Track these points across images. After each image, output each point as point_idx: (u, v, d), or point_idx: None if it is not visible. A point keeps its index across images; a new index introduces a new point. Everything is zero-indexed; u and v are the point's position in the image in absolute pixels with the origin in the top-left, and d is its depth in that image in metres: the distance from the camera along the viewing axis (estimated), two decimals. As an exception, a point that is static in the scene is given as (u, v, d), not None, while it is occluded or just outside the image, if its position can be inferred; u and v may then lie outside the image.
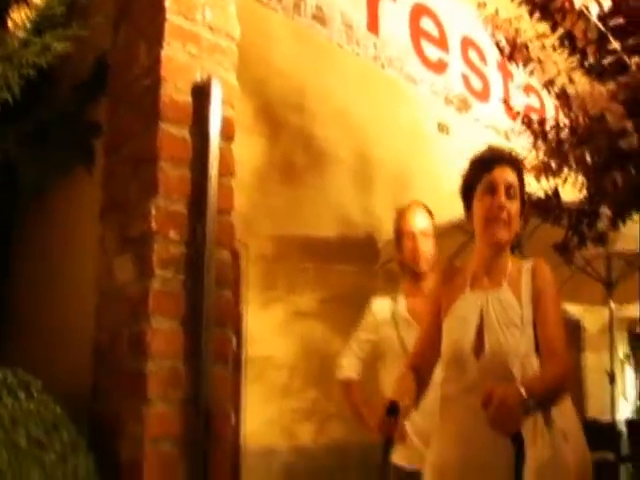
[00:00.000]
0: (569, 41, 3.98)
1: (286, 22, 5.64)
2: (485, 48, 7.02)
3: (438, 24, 6.82)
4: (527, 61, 4.03)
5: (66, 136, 3.85)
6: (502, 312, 2.25)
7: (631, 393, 10.15)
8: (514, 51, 4.01)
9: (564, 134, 3.96)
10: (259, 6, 5.31)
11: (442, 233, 3.77)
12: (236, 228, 3.52)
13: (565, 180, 3.99)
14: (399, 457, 2.98)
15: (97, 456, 2.88)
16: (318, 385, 5.68)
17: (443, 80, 6.79)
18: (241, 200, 4.90)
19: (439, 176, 6.04)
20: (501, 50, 4.09)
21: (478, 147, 2.46)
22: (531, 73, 4.04)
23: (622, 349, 10.26)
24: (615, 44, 3.74)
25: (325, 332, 5.74)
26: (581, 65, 3.97)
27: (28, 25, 3.15)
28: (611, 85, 3.77)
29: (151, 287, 2.96)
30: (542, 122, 4.07)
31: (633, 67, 3.71)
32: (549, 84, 3.94)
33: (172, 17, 3.25)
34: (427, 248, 3.32)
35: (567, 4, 3.77)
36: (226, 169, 3.23)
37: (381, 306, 3.42)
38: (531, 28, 4.00)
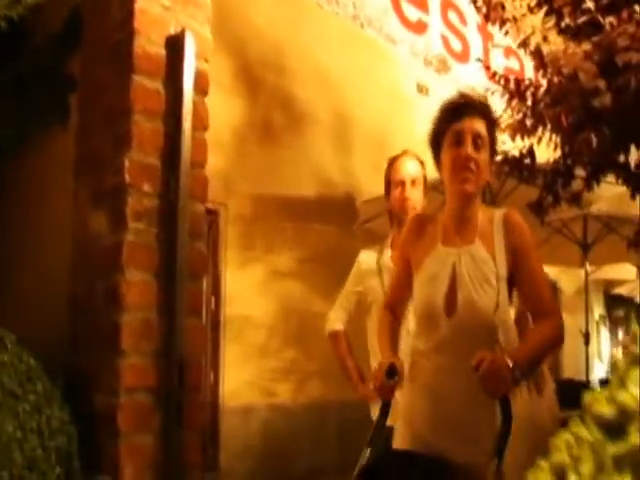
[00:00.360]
0: (546, 1, 3.99)
1: (265, -20, 5.62)
2: (465, 10, 7.01)
3: (418, -16, 6.80)
4: (503, 21, 4.05)
5: (43, 90, 3.82)
6: (475, 269, 2.22)
7: (605, 354, 10.34)
8: (490, 10, 4.02)
9: (540, 94, 3.98)
10: (237, -37, 5.27)
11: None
12: (213, 186, 3.52)
13: (540, 140, 4.02)
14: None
15: (72, 407, 2.90)
16: (297, 344, 5.74)
17: (423, 41, 6.78)
18: (220, 160, 4.92)
19: (418, 137, 6.06)
20: (478, 9, 4.10)
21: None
22: (506, 33, 4.06)
23: (597, 311, 10.42)
24: (589, 3, 3.75)
25: (303, 291, 5.79)
26: (557, 25, 3.98)
27: (-3, -23, 3.11)
28: (586, 45, 3.79)
29: (125, 239, 2.97)
30: (518, 82, 4.09)
31: (607, 27, 3.73)
32: (524, 43, 3.96)
33: (145, -31, 3.21)
34: (416, 197, 3.26)
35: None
36: (200, 123, 3.21)
37: (367, 257, 3.42)
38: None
